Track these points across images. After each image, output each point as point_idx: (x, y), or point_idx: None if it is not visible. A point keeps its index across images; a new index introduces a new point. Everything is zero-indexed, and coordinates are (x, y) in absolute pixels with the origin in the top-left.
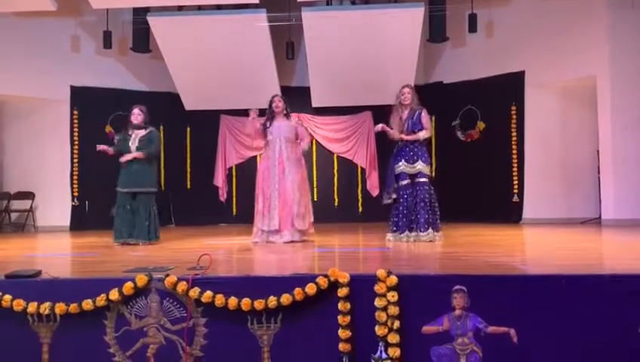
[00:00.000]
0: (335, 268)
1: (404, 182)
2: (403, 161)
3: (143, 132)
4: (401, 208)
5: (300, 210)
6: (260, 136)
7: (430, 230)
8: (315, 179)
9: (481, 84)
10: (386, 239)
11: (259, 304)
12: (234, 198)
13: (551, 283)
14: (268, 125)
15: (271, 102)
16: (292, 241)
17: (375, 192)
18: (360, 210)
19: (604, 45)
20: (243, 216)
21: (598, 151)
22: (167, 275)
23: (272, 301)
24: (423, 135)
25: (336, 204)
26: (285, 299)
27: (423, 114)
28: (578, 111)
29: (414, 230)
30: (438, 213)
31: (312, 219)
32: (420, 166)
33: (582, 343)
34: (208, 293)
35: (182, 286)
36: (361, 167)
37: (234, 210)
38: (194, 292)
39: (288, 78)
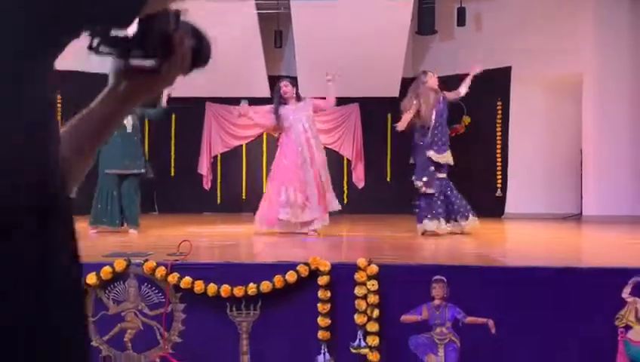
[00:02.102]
0: (317, 256)
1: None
2: (432, 150)
3: None
4: (435, 198)
5: (330, 191)
6: (272, 121)
7: (472, 217)
8: None
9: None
10: (420, 229)
11: (238, 291)
12: (218, 187)
13: (529, 275)
14: (279, 113)
15: (278, 89)
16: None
17: (360, 184)
18: (345, 201)
19: (591, 42)
20: (227, 204)
21: (581, 147)
22: (146, 260)
23: (252, 288)
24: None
25: None
26: (265, 286)
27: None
28: (563, 108)
29: (452, 220)
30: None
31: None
32: (449, 154)
33: (559, 335)
34: (187, 279)
35: (160, 272)
36: (347, 159)
37: (218, 199)
38: (173, 277)
39: (276, 66)
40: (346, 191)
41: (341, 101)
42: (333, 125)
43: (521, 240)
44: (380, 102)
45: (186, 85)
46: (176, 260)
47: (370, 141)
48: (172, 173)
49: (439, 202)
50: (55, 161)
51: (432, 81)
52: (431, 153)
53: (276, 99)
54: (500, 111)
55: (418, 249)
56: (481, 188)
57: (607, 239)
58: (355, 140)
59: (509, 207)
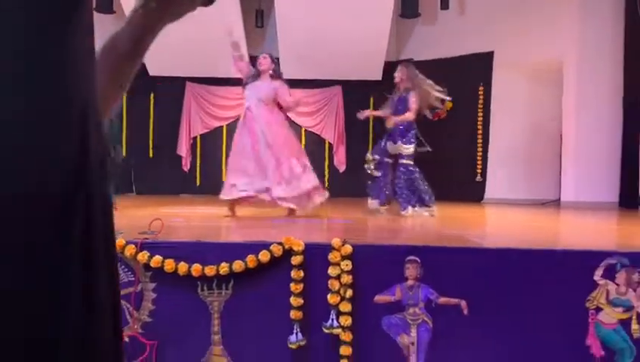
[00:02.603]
0: (291, 236)
1: (386, 159)
2: (389, 140)
3: None
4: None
5: (296, 170)
6: (246, 74)
7: (410, 208)
8: None
9: (451, 62)
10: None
11: (210, 270)
12: (197, 169)
13: (502, 256)
14: (248, 83)
15: (257, 62)
16: (279, 200)
17: (342, 168)
18: (326, 184)
19: (573, 28)
20: (206, 186)
21: (561, 134)
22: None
23: (224, 267)
24: (406, 117)
25: None
26: (237, 265)
27: (412, 93)
28: (545, 94)
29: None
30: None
31: (309, 186)
32: (402, 146)
33: (532, 316)
34: (157, 258)
35: (130, 250)
36: (329, 142)
37: (197, 181)
38: (142, 256)
39: (257, 47)
40: (327, 175)
41: (323, 83)
42: (315, 108)
43: (498, 224)
44: (362, 85)
45: (165, 64)
46: (146, 238)
47: (352, 124)
48: (150, 155)
49: (384, 185)
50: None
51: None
52: (388, 143)
53: (255, 71)
54: (481, 96)
55: (394, 230)
56: (461, 173)
57: (583, 224)
58: (337, 123)
59: (489, 193)
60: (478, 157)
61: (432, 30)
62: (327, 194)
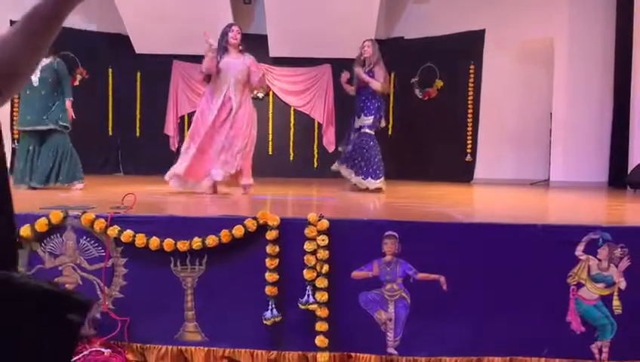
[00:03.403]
0: (266, 211)
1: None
2: (356, 115)
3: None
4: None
5: (235, 153)
6: (213, 68)
7: (370, 179)
8: (270, 132)
9: (442, 41)
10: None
11: (182, 245)
12: None
13: (483, 231)
14: (219, 59)
15: (226, 32)
16: (216, 183)
17: (331, 148)
18: (315, 165)
19: (564, 7)
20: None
21: (551, 113)
22: (84, 212)
23: (197, 242)
24: (373, 84)
25: (291, 159)
26: (211, 240)
27: (377, 67)
28: (535, 73)
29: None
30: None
31: (248, 175)
32: (363, 118)
33: (511, 292)
34: (128, 232)
35: (99, 224)
36: (318, 122)
37: None
38: (113, 230)
39: (245, 24)
40: (316, 155)
41: (312, 62)
42: (304, 87)
43: (483, 202)
44: (352, 64)
45: (152, 42)
46: (117, 213)
47: (341, 104)
48: (137, 134)
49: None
50: None
51: (363, 50)
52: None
53: (222, 44)
54: (472, 75)
55: (374, 207)
56: (450, 152)
57: (570, 202)
58: (326, 103)
59: (479, 173)
60: (468, 137)
61: (423, 8)
62: (252, 181)
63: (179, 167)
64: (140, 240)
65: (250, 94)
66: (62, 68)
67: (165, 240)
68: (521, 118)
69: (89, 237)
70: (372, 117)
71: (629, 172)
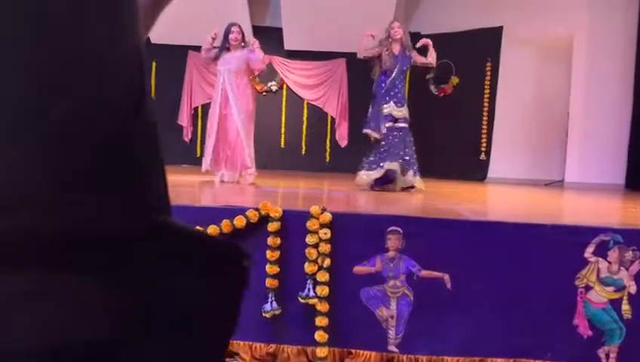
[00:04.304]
0: (269, 202)
1: (389, 124)
2: (392, 102)
3: None
4: (382, 150)
5: (245, 150)
6: (209, 59)
7: (414, 176)
8: (283, 125)
9: (459, 38)
10: (358, 177)
11: None
12: (198, 139)
13: (489, 229)
14: (218, 57)
15: (227, 33)
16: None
17: (344, 143)
18: (327, 159)
19: (583, 3)
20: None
21: (568, 113)
22: None
23: None
24: (433, 60)
25: (303, 152)
26: (212, 230)
27: (415, 54)
28: (553, 72)
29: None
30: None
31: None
32: (405, 111)
33: (516, 293)
34: None
35: None
36: (331, 117)
37: (198, 151)
38: None
39: (261, 16)
40: (328, 150)
41: (327, 56)
42: (318, 81)
43: (493, 201)
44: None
45: (168, 32)
46: None
47: (355, 99)
48: None
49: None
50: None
51: (394, 31)
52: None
53: (223, 43)
54: (489, 72)
55: (381, 202)
56: (465, 150)
57: (583, 203)
58: (340, 97)
59: (493, 172)
60: (483, 135)
61: (440, 3)
62: (254, 172)
63: (205, 161)
64: None
65: (251, 83)
66: None
67: None
68: (538, 117)
69: None
70: (406, 108)
71: None
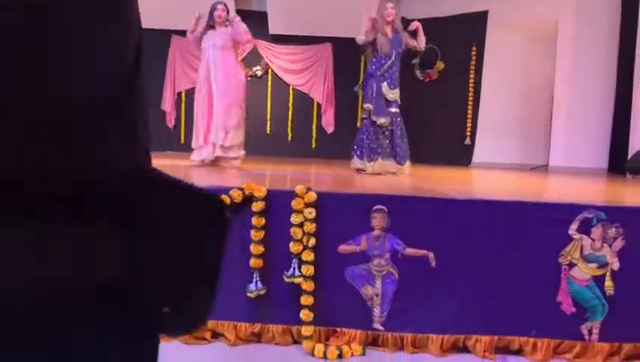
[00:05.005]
0: (252, 182)
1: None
2: (385, 83)
3: None
4: (380, 135)
5: (229, 124)
6: (195, 41)
7: (408, 163)
8: (268, 110)
9: (444, 22)
10: (352, 165)
11: None
12: (182, 125)
13: (473, 207)
14: (203, 35)
15: (212, 10)
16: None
17: (330, 129)
18: (314, 146)
19: None
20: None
21: (552, 97)
22: None
23: None
24: (422, 43)
25: (289, 139)
26: None
27: (406, 37)
28: (539, 56)
29: (380, 159)
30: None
31: (239, 143)
32: (397, 93)
33: (501, 270)
34: None
35: None
36: (317, 102)
37: (182, 138)
38: None
39: (246, 0)
40: (314, 136)
41: (313, 40)
42: (303, 66)
43: (476, 182)
44: (353, 44)
45: (150, 17)
46: None
47: (341, 84)
48: None
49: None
50: None
51: (387, 12)
52: (384, 85)
53: (208, 20)
54: (474, 57)
55: (364, 183)
56: (449, 135)
57: (567, 185)
58: (325, 83)
59: (478, 157)
60: (468, 120)
61: None
62: (243, 153)
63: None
64: None
65: (238, 60)
66: None
67: None
68: (523, 101)
69: None
70: (398, 90)
71: (628, 158)
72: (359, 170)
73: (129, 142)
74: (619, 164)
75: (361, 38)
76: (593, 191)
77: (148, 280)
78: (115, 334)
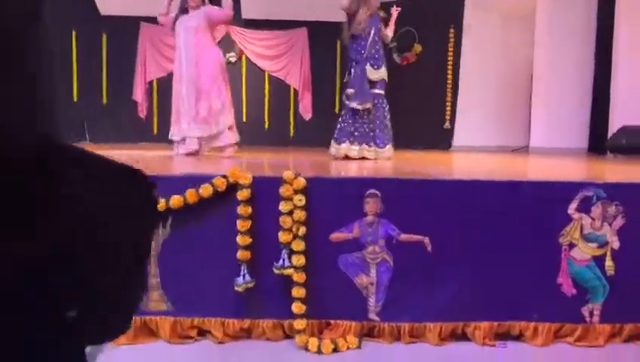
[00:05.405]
0: (237, 168)
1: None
2: (368, 64)
3: None
4: (359, 120)
5: (213, 109)
6: (168, 24)
7: (389, 146)
8: (244, 98)
9: (421, 3)
10: (332, 150)
11: None
12: (155, 115)
13: (469, 189)
14: (176, 20)
15: None
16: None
17: (307, 116)
18: (292, 133)
19: None
20: (165, 134)
21: (532, 75)
22: None
23: (160, 203)
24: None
25: (266, 127)
26: (175, 201)
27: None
28: (517, 36)
29: (369, 144)
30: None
31: (230, 125)
32: (382, 72)
33: (500, 253)
34: None
35: None
36: (294, 89)
37: (155, 128)
38: None
39: None
40: (292, 123)
41: (288, 25)
42: (279, 52)
43: (462, 165)
44: (329, 28)
45: (118, 3)
46: None
47: (318, 69)
48: (104, 100)
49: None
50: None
51: None
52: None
53: (182, 4)
54: (452, 39)
55: (352, 167)
56: (428, 119)
57: (551, 165)
58: (302, 68)
59: (458, 140)
60: (447, 104)
61: None
62: (237, 137)
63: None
64: None
65: (213, 41)
66: None
67: None
68: (502, 83)
69: None
70: (384, 69)
71: (609, 137)
72: (336, 157)
73: (30, 114)
74: (599, 143)
75: (344, 4)
76: (578, 169)
77: (70, 258)
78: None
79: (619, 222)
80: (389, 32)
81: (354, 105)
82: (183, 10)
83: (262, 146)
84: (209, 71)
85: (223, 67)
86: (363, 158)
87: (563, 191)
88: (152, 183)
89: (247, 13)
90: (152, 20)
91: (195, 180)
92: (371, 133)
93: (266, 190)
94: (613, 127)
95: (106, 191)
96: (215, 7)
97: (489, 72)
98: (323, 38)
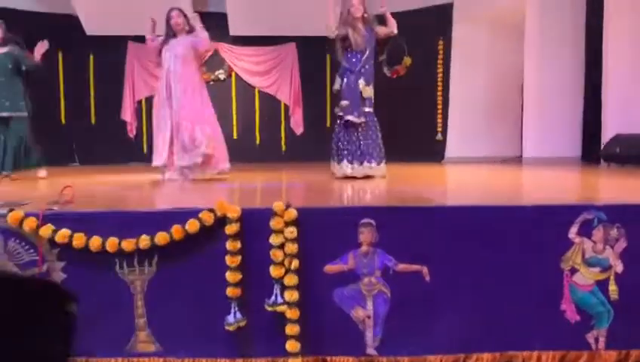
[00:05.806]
0: (225, 201)
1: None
2: (362, 79)
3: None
4: (354, 137)
5: (198, 137)
6: (156, 53)
7: (383, 164)
8: (234, 114)
9: (409, 15)
10: (334, 169)
11: (128, 244)
12: (144, 135)
13: (467, 215)
14: (164, 45)
15: (168, 19)
16: (184, 169)
17: (299, 130)
18: (283, 149)
19: None
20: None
21: (522, 84)
22: (12, 210)
23: (145, 240)
24: (394, 27)
25: (257, 143)
26: (161, 238)
27: (378, 28)
28: (506, 46)
29: (364, 162)
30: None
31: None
32: (370, 90)
33: (501, 281)
34: (64, 232)
35: (30, 223)
36: (285, 104)
37: (144, 148)
38: (45, 230)
39: (203, 2)
40: (283, 138)
41: (276, 40)
42: (268, 67)
43: (459, 181)
44: (318, 42)
45: (104, 23)
46: (50, 209)
47: (308, 84)
48: (93, 120)
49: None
50: None
51: (354, 9)
52: (361, 82)
53: (166, 30)
54: (441, 51)
55: (343, 192)
56: (420, 132)
57: (548, 179)
58: (292, 83)
59: (450, 152)
60: (438, 116)
61: None
62: (227, 165)
63: (160, 156)
64: (79, 240)
65: (200, 69)
66: (19, 52)
67: (108, 240)
68: (493, 93)
69: (19, 238)
70: (372, 87)
71: (602, 146)
72: (338, 177)
73: None
74: (592, 152)
75: (333, 32)
76: (575, 184)
77: None
78: None
79: (621, 244)
80: (392, 25)
81: (350, 118)
82: (169, 35)
83: (253, 162)
84: (195, 100)
85: (208, 97)
86: (366, 177)
87: (563, 214)
88: (67, 297)
89: (235, 30)
90: (140, 39)
91: (181, 215)
92: (367, 150)
93: (255, 222)
94: (606, 135)
95: (21, 312)
96: (200, 34)
97: (480, 83)
98: (312, 52)
